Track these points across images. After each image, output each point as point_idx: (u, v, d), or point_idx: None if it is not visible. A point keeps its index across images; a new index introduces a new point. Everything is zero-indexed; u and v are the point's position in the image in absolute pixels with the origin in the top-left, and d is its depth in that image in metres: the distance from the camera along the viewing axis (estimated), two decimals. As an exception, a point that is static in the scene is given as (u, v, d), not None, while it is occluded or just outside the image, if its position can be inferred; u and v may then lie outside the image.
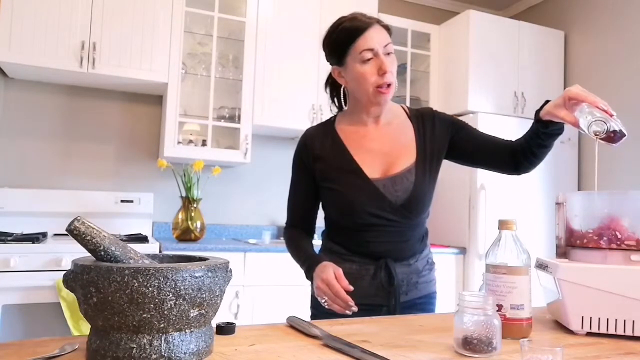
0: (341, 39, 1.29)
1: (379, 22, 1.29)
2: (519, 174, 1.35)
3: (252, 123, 3.07)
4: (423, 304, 1.37)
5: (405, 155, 1.33)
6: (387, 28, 1.31)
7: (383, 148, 1.34)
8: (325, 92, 1.47)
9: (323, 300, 1.20)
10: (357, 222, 1.30)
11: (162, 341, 0.69)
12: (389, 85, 1.27)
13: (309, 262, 1.29)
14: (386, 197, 1.28)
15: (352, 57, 1.28)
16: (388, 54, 1.27)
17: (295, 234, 1.42)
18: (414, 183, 1.29)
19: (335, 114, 1.46)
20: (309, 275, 1.29)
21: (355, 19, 1.29)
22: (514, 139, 1.33)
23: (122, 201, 2.97)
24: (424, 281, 1.37)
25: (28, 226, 2.74)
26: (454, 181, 3.32)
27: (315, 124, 3.13)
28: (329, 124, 1.41)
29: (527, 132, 1.27)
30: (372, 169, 1.31)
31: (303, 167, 1.39)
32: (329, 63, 1.38)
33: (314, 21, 3.20)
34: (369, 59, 1.26)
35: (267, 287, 2.71)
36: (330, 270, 1.20)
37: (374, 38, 1.26)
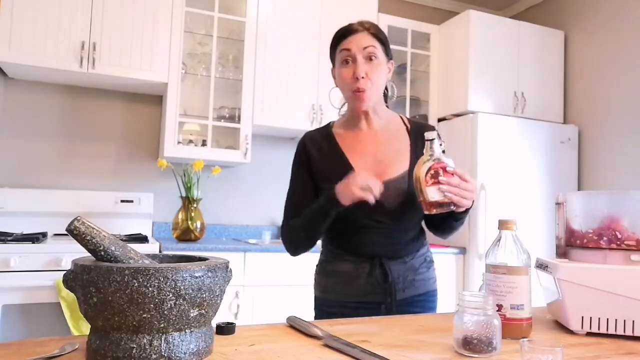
0: (332, 41, 1.38)
1: (369, 29, 1.33)
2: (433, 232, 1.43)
3: (252, 123, 3.07)
4: (423, 301, 1.38)
5: (399, 162, 1.35)
6: (376, 36, 1.33)
7: (377, 153, 1.36)
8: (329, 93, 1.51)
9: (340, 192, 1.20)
10: (349, 224, 1.31)
11: (162, 341, 0.69)
12: (362, 90, 1.30)
13: (323, 198, 1.27)
14: (379, 200, 1.29)
15: (336, 59, 1.36)
16: (370, 58, 1.31)
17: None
18: (407, 189, 1.31)
19: (339, 116, 1.49)
20: (333, 201, 1.23)
21: (349, 24, 1.35)
22: None
23: (122, 201, 2.97)
24: (422, 279, 1.38)
25: (28, 226, 2.74)
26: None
27: (315, 123, 3.16)
28: (327, 128, 1.45)
29: None
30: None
31: (302, 168, 1.41)
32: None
33: (314, 21, 3.19)
34: (347, 62, 1.32)
35: (267, 287, 2.71)
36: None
37: (352, 41, 1.31)
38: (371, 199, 1.17)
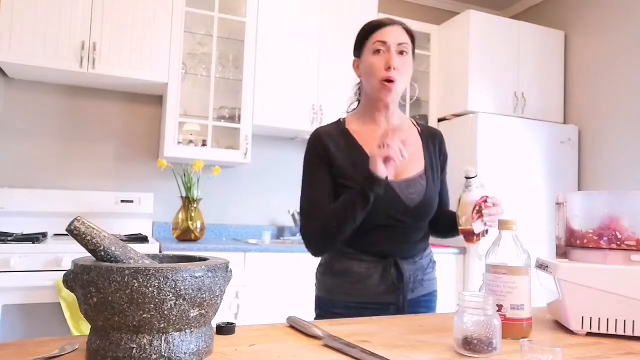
0: (363, 31, 1.37)
1: (402, 24, 1.35)
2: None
3: (252, 123, 3.07)
4: (427, 301, 1.39)
5: (415, 162, 1.37)
6: (409, 33, 1.35)
7: None
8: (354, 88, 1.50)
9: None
10: (368, 222, 1.27)
11: (162, 341, 0.69)
12: (392, 80, 1.30)
13: (358, 185, 1.23)
14: (401, 198, 1.30)
15: (367, 48, 1.35)
16: (402, 52, 1.32)
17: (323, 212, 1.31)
18: (425, 187, 1.34)
19: (344, 115, 1.46)
20: (370, 185, 1.21)
21: (382, 18, 1.37)
22: (445, 208, 1.46)
23: (122, 201, 2.97)
24: (428, 279, 1.40)
25: (28, 226, 2.74)
26: (454, 181, 3.31)
27: (315, 123, 3.16)
28: (340, 124, 1.40)
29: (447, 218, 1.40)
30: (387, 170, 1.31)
31: (319, 163, 1.33)
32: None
33: (314, 21, 3.19)
34: (379, 51, 1.31)
35: (267, 287, 2.71)
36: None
37: (389, 33, 1.32)
38: (395, 154, 1.18)
